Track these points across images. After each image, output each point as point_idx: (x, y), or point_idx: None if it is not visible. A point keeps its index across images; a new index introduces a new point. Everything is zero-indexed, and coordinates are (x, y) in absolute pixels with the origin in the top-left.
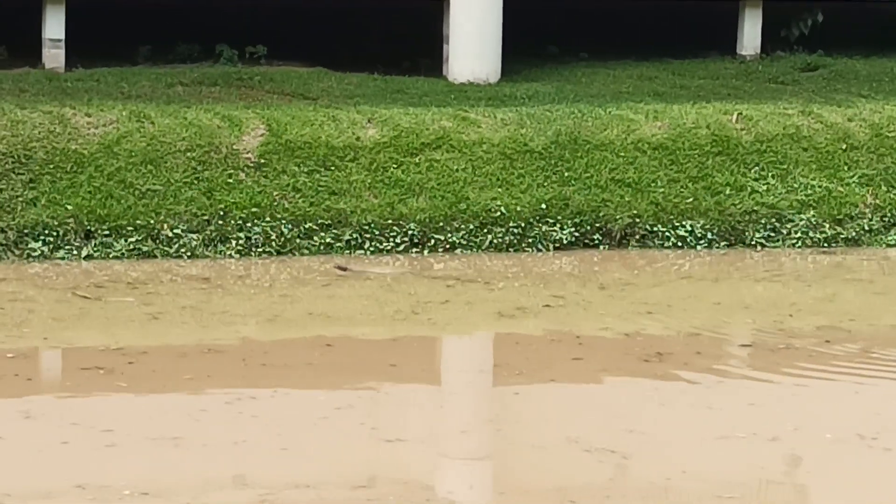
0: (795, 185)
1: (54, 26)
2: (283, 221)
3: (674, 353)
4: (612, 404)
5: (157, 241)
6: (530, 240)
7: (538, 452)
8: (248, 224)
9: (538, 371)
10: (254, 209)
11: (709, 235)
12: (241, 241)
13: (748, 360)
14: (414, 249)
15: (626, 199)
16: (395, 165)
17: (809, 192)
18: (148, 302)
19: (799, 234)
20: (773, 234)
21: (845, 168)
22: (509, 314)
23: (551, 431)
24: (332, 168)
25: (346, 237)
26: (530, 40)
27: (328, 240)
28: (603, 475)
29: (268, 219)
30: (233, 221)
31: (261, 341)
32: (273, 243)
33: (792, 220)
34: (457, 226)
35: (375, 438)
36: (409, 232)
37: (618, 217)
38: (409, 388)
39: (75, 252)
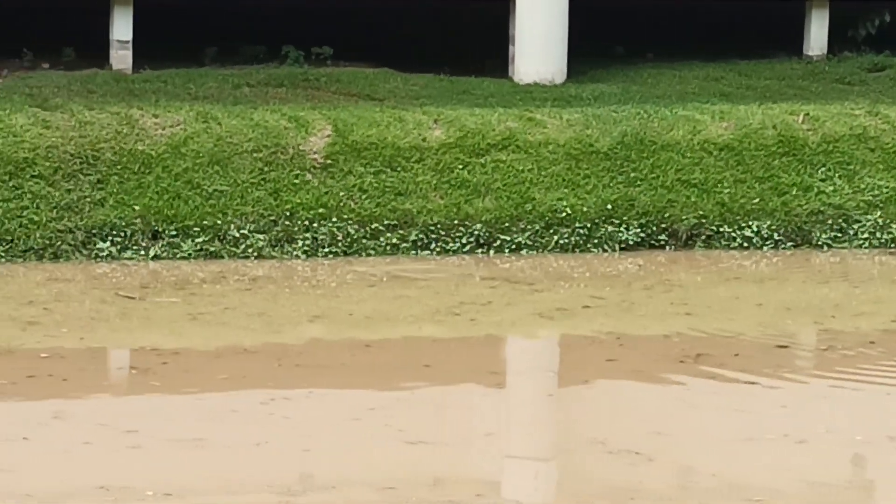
0: (862, 186)
1: (122, 28)
2: (350, 222)
3: (711, 354)
4: (642, 406)
5: (224, 242)
6: (596, 240)
7: (562, 454)
8: (315, 224)
9: (571, 372)
10: (320, 210)
11: (775, 236)
12: (307, 242)
13: (785, 363)
14: (480, 250)
15: (693, 199)
16: (461, 166)
17: (876, 192)
18: (191, 302)
19: (866, 235)
20: (839, 235)
21: None
22: (549, 315)
23: (577, 433)
24: (399, 169)
25: (412, 238)
26: (596, 41)
27: (394, 240)
28: (626, 477)
29: (334, 219)
30: (299, 222)
31: (298, 342)
32: (339, 244)
33: (859, 221)
34: (522, 226)
35: (401, 440)
36: (475, 232)
37: (684, 218)
38: (439, 389)
39: (143, 252)
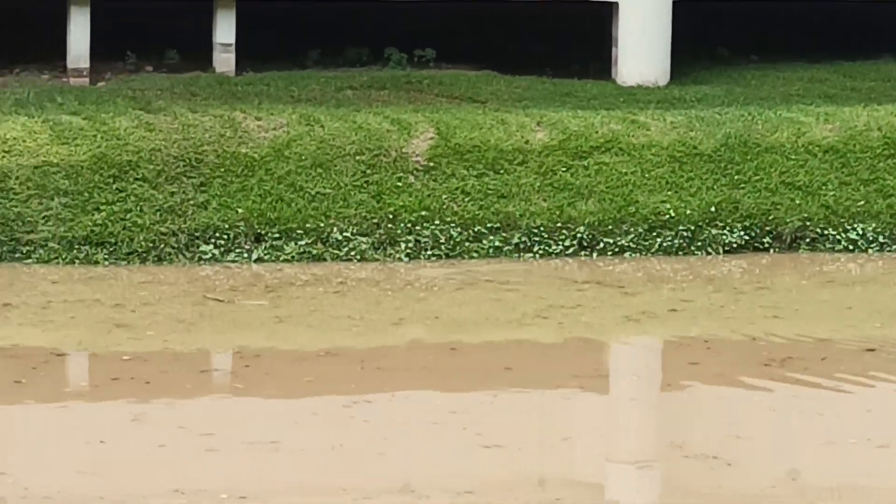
0: None
1: (225, 30)
2: (452, 225)
3: (797, 357)
4: (722, 410)
5: (327, 245)
6: (699, 243)
7: (638, 459)
8: (418, 227)
9: (654, 375)
10: (423, 212)
11: (880, 239)
12: (410, 245)
13: (873, 367)
14: (583, 253)
15: (797, 202)
16: (563, 169)
17: None
18: (279, 305)
19: None
20: None
21: None
22: (636, 318)
23: (655, 437)
24: (501, 171)
25: (515, 240)
26: (700, 42)
27: (497, 243)
28: (703, 482)
29: (437, 222)
30: (402, 224)
31: (381, 345)
32: (442, 246)
33: None
34: (626, 229)
35: (477, 444)
36: (578, 235)
37: (788, 220)
38: (520, 393)
39: (246, 255)
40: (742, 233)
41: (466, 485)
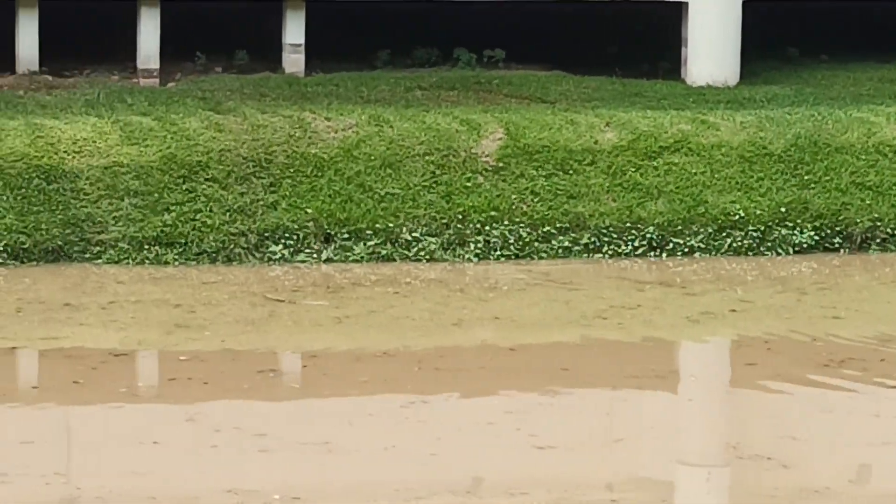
0: None
1: (294, 31)
2: (522, 225)
3: (856, 359)
4: (778, 411)
5: (396, 245)
6: (769, 243)
7: (691, 459)
8: (487, 227)
9: (711, 376)
10: (492, 213)
11: None
12: (479, 245)
13: None
14: (652, 253)
15: (867, 202)
16: (633, 169)
17: None
18: (339, 305)
19: None
20: None
21: None
22: (695, 319)
23: (711, 438)
24: (571, 171)
25: (584, 241)
26: (769, 42)
27: (566, 243)
28: (758, 483)
29: (506, 222)
30: (471, 225)
31: (439, 346)
32: (511, 247)
33: None
34: (695, 229)
35: (531, 445)
36: (648, 235)
37: (858, 220)
38: (576, 394)
39: (315, 255)
40: (812, 233)
41: (520, 486)
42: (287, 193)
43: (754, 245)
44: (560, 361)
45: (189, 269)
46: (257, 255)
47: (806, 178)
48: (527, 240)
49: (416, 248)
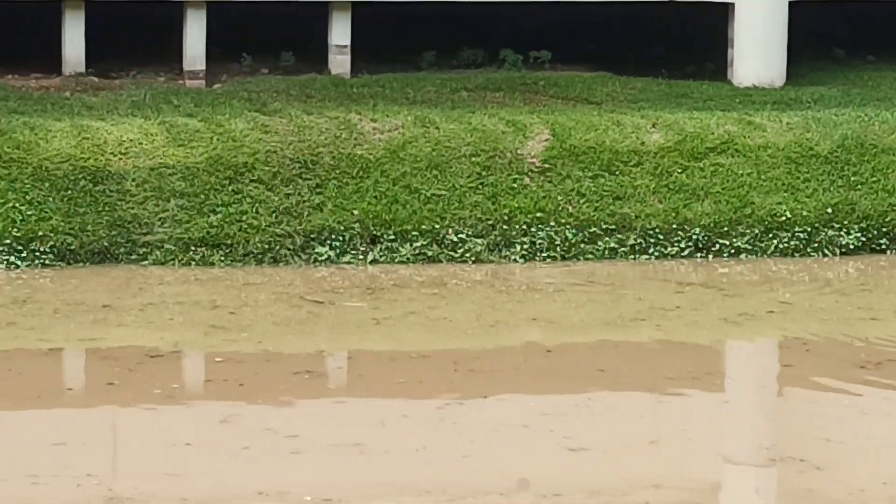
0: None
1: (340, 33)
2: (568, 226)
3: (894, 360)
4: (813, 412)
5: (442, 246)
6: (816, 245)
7: (722, 463)
8: (533, 229)
9: (747, 378)
10: (538, 214)
11: None
12: (525, 246)
13: None
14: (699, 254)
15: None
16: (679, 170)
17: None
18: (377, 306)
19: None
20: None
21: None
22: (734, 321)
23: (744, 439)
24: (617, 173)
25: (631, 242)
26: (816, 43)
27: (612, 244)
28: (790, 485)
29: (552, 223)
30: (517, 226)
31: (475, 347)
32: (557, 248)
33: None
34: (741, 230)
35: (563, 447)
36: (694, 237)
37: None
38: (611, 395)
39: (361, 257)
40: (859, 234)
41: (552, 488)
42: (333, 195)
43: (801, 246)
44: (597, 363)
45: (235, 270)
46: (303, 256)
47: (853, 179)
48: (573, 241)
49: (461, 250)
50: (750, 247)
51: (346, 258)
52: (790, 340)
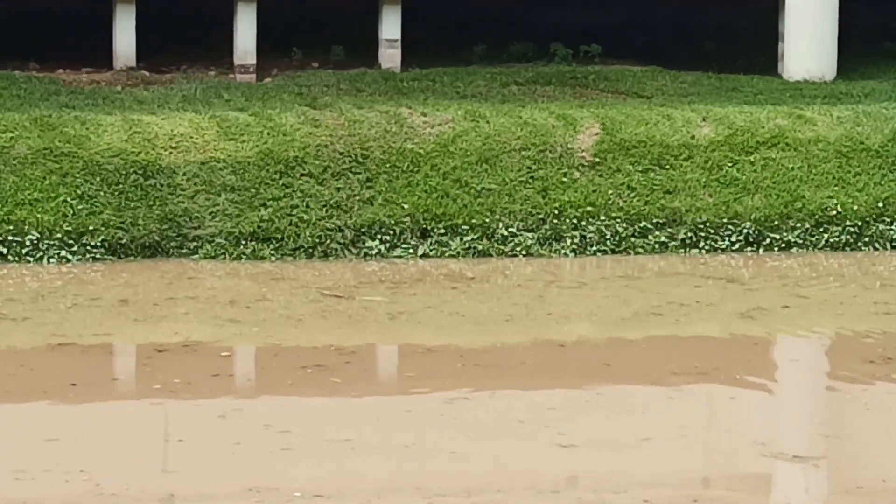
0: None
1: (391, 27)
2: (618, 220)
3: None
4: (816, 407)
5: (492, 240)
6: (867, 239)
7: (719, 457)
8: (583, 223)
9: (754, 372)
10: (588, 208)
11: None
12: (575, 240)
13: None
14: (749, 248)
15: None
16: (729, 164)
17: None
18: (396, 301)
19: None
20: None
21: None
22: (749, 315)
23: (742, 436)
24: (667, 166)
25: (681, 236)
26: (867, 37)
27: (662, 238)
28: (785, 481)
29: (602, 217)
30: (567, 220)
31: (484, 343)
32: (608, 242)
33: None
34: (792, 224)
35: (554, 444)
36: (744, 231)
37: None
38: (611, 390)
39: (411, 251)
40: None
41: (539, 484)
42: (383, 189)
43: (851, 240)
44: (604, 357)
45: (285, 264)
46: (353, 250)
47: None
48: (623, 235)
49: (511, 244)
50: (800, 241)
51: (397, 252)
52: (800, 335)
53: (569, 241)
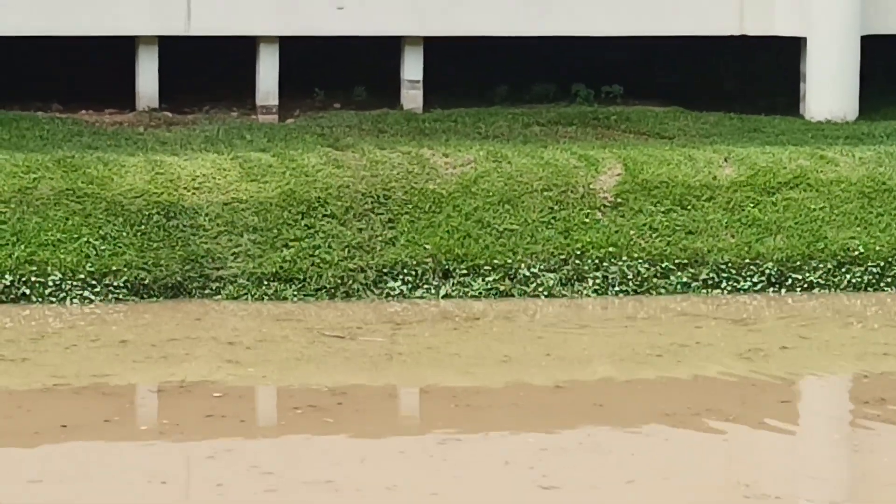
0: None
1: (413, 67)
2: (640, 261)
3: None
4: (802, 448)
5: (515, 281)
6: (889, 279)
7: (701, 498)
8: (605, 263)
9: (746, 414)
10: (610, 248)
11: None
12: (597, 281)
13: None
14: (771, 289)
15: None
16: (751, 204)
17: None
18: (395, 341)
19: None
20: None
21: None
22: (746, 356)
23: (725, 477)
24: (689, 207)
25: (703, 276)
26: (889, 77)
27: (685, 279)
28: None
29: (624, 258)
30: (589, 261)
31: (479, 384)
32: (630, 282)
33: None
34: (814, 265)
35: (536, 485)
36: (767, 271)
37: None
38: (601, 431)
39: (433, 291)
40: None
41: None
42: (405, 229)
43: (874, 281)
44: (597, 399)
45: (308, 304)
46: (376, 291)
47: None
48: (645, 275)
49: (534, 284)
50: (823, 281)
51: (419, 293)
52: (795, 376)
53: (591, 281)
